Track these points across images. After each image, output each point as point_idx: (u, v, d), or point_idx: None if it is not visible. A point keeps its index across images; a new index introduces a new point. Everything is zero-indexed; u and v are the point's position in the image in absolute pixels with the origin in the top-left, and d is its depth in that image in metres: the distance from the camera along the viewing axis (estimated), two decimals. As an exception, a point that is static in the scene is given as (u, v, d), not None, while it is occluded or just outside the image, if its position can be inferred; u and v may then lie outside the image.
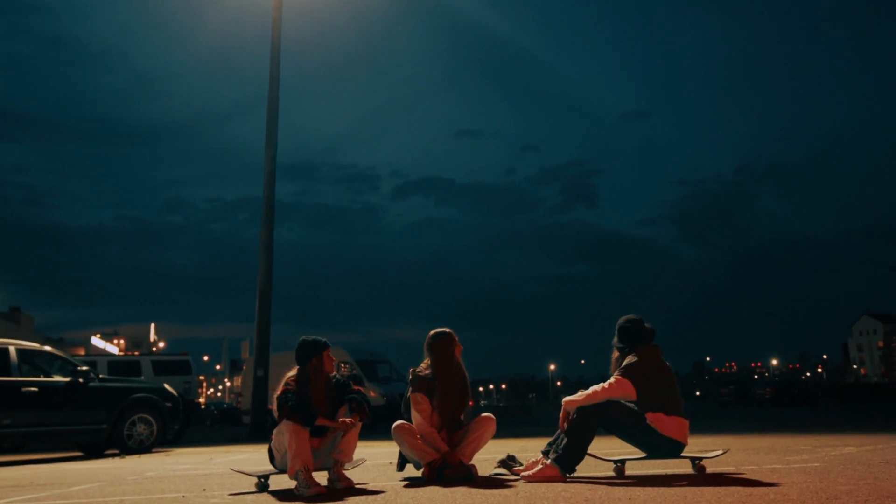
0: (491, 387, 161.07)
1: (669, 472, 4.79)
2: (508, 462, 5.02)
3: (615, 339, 4.82)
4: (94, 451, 11.07)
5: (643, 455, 4.69)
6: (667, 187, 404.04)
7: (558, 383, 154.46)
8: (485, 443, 4.96)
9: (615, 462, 4.70)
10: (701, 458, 4.62)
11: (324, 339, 4.81)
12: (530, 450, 7.23)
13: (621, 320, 4.83)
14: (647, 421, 4.47)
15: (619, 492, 3.80)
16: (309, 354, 4.74)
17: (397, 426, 4.86)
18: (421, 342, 5.16)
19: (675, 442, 4.49)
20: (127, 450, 10.61)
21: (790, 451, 6.24)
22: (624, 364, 4.62)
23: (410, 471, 5.23)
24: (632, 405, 4.56)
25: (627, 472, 4.71)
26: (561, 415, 4.63)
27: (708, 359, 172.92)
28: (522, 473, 4.56)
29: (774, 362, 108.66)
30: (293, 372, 4.74)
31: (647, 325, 4.79)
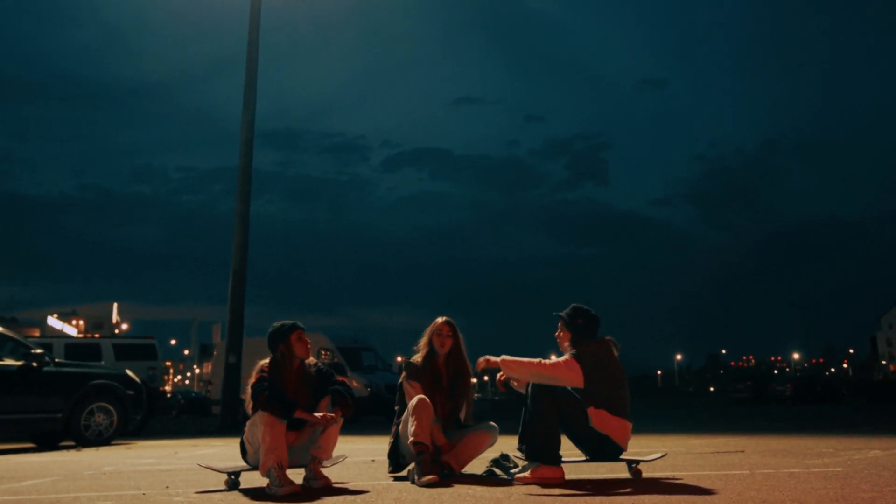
0: (486, 378, 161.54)
1: (607, 476, 4.81)
2: (502, 462, 5.05)
3: (568, 313, 4.84)
4: (47, 443, 11.08)
5: (584, 458, 4.77)
6: (684, 164, 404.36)
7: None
8: (480, 452, 5.03)
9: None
10: (638, 462, 4.70)
11: (292, 322, 4.81)
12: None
13: (583, 307, 4.87)
14: (588, 415, 4.52)
15: (619, 493, 3.82)
16: (275, 341, 4.75)
17: (421, 400, 4.81)
18: (411, 328, 5.22)
19: (614, 444, 4.57)
20: (84, 442, 10.61)
21: (810, 454, 6.28)
22: (580, 349, 4.66)
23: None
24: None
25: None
26: (498, 376, 4.77)
27: (724, 351, 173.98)
28: (517, 476, 4.59)
29: (796, 356, 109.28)
30: (266, 360, 4.74)
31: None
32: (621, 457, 4.69)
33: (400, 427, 4.95)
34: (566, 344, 4.82)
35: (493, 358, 4.70)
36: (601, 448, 4.61)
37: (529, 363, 4.57)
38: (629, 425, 4.63)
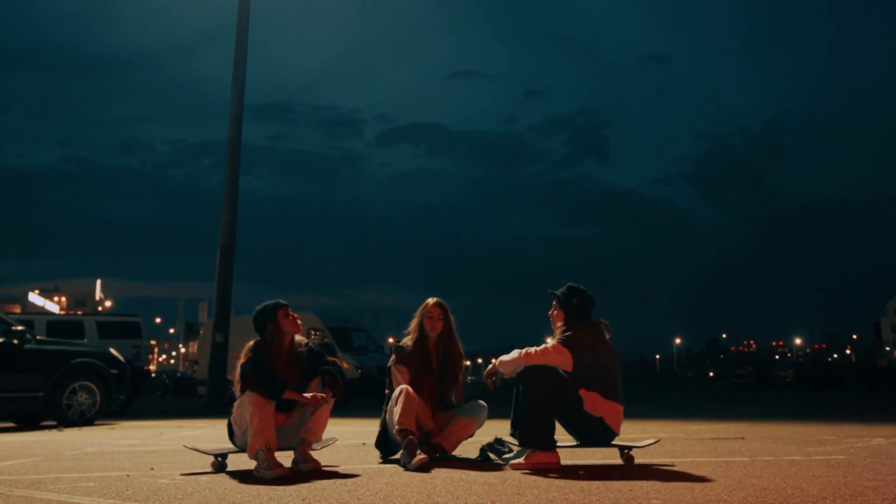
0: (480, 361, 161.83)
1: (599, 461, 4.85)
2: (496, 446, 5.06)
3: (563, 292, 4.87)
4: (28, 422, 11.08)
5: (575, 443, 4.81)
6: (687, 142, 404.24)
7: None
8: (471, 433, 5.08)
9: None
10: (630, 448, 4.72)
11: (275, 301, 4.81)
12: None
13: (579, 287, 4.89)
14: (581, 398, 4.56)
15: (615, 477, 3.84)
16: (262, 321, 4.75)
17: (403, 390, 4.87)
18: (403, 308, 5.25)
19: (607, 427, 4.61)
20: (66, 421, 10.60)
21: (812, 442, 6.32)
22: (568, 333, 4.70)
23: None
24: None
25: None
26: (487, 375, 4.84)
27: (724, 335, 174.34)
28: (512, 462, 4.60)
29: (798, 342, 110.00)
30: (255, 341, 4.74)
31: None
32: (613, 442, 4.72)
33: (386, 416, 4.99)
34: (559, 324, 4.84)
35: (490, 368, 4.85)
36: (593, 432, 4.64)
37: (519, 356, 4.66)
38: (621, 409, 4.67)
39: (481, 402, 5.17)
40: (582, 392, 4.56)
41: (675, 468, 4.49)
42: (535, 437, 4.53)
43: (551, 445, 4.54)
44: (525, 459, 4.51)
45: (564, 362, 4.60)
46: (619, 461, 4.73)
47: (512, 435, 4.69)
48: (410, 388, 4.90)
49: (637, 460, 4.77)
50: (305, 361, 4.78)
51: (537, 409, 4.54)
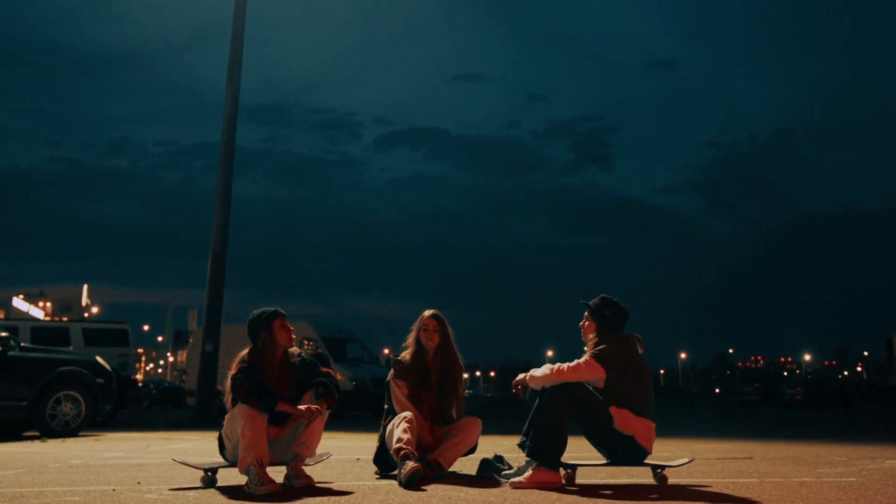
0: (478, 374, 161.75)
1: (629, 481, 4.83)
2: (495, 464, 5.05)
3: (595, 303, 4.87)
4: (10, 433, 11.04)
5: (604, 462, 4.79)
6: (694, 149, 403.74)
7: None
8: (468, 447, 5.08)
9: (565, 467, 4.70)
10: (663, 467, 4.69)
11: (273, 309, 4.80)
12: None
13: (612, 299, 4.89)
14: (611, 415, 4.54)
15: (621, 502, 3.82)
16: (257, 329, 4.74)
17: (405, 417, 4.91)
18: (399, 318, 5.24)
19: (639, 446, 4.59)
20: (49, 432, 10.58)
21: (822, 463, 6.30)
22: (600, 347, 4.69)
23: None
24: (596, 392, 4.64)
25: (579, 480, 4.77)
26: (516, 385, 4.78)
27: (731, 350, 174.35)
28: (512, 480, 4.59)
29: (807, 358, 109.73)
30: (247, 350, 4.73)
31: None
32: (645, 461, 4.68)
33: (386, 435, 5.00)
34: (590, 335, 4.84)
35: (520, 377, 4.79)
36: (624, 450, 4.61)
37: (551, 372, 4.63)
38: (653, 426, 4.64)
39: (476, 417, 5.19)
40: (612, 409, 4.54)
41: (711, 489, 4.46)
42: (543, 453, 4.50)
43: (556, 465, 4.52)
44: (527, 478, 4.49)
45: (597, 377, 4.61)
46: (650, 481, 4.70)
47: (520, 445, 4.65)
48: (412, 415, 4.94)
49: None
50: (298, 372, 4.76)
51: (553, 426, 4.52)
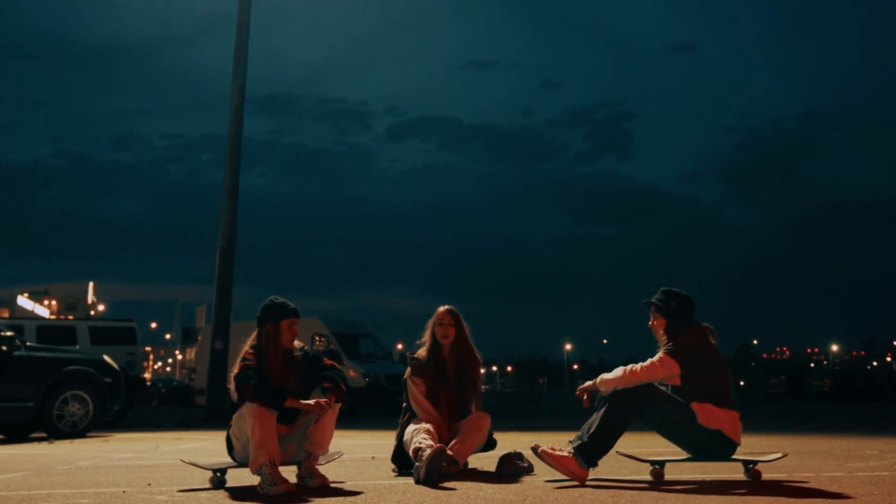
0: (494, 368, 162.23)
1: (714, 477, 4.80)
2: (515, 460, 5.06)
3: (659, 298, 4.83)
4: (17, 434, 11.13)
5: (687, 456, 4.73)
6: (714, 136, 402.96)
7: (574, 367, 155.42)
8: (479, 443, 5.10)
9: (652, 463, 4.70)
10: (756, 462, 4.62)
11: (293, 307, 4.78)
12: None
13: (673, 289, 4.86)
14: (693, 412, 4.49)
15: (646, 500, 3.80)
16: (265, 318, 4.74)
17: (423, 428, 4.94)
18: (412, 312, 5.26)
19: (727, 439, 4.52)
20: (57, 433, 10.64)
21: (853, 457, 6.27)
22: (672, 342, 4.65)
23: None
24: (673, 392, 4.62)
25: (667, 477, 4.73)
26: (584, 394, 4.72)
27: (755, 342, 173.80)
28: (541, 449, 4.59)
29: (835, 348, 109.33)
30: (251, 340, 4.74)
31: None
32: (734, 456, 4.62)
33: (405, 437, 5.02)
34: (661, 331, 4.80)
35: (588, 384, 4.76)
36: (713, 446, 4.56)
37: (624, 374, 4.60)
38: (738, 415, 4.58)
39: (484, 412, 5.25)
40: (694, 405, 4.51)
41: (809, 485, 4.41)
42: (586, 446, 4.48)
43: (590, 464, 4.50)
44: (557, 455, 4.49)
45: (671, 374, 4.57)
46: (740, 476, 4.63)
47: (572, 442, 4.61)
48: (432, 426, 4.98)
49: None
50: (302, 366, 4.76)
51: (611, 428, 4.52)
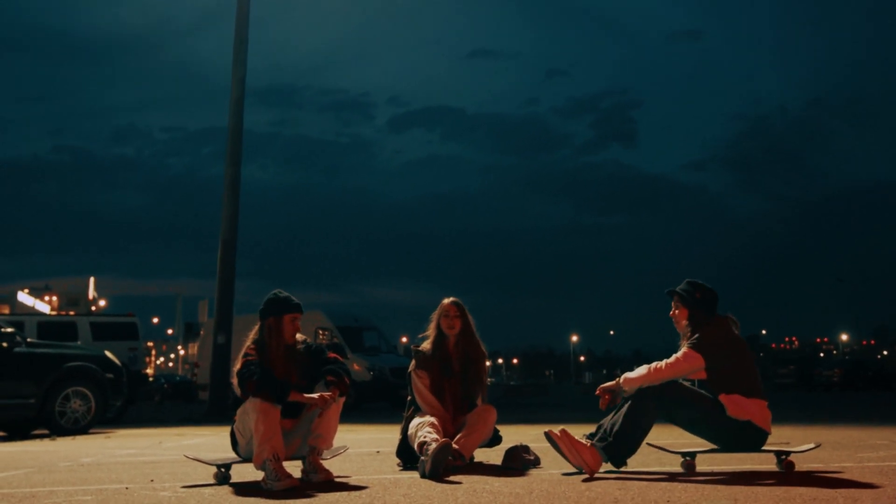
0: (500, 361, 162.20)
1: (744, 468, 4.80)
2: (521, 454, 5.07)
3: (683, 288, 4.82)
4: (19, 432, 11.16)
5: (716, 448, 4.73)
6: (721, 123, 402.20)
7: (581, 358, 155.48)
8: (484, 437, 5.11)
9: (683, 455, 4.71)
10: (789, 453, 4.61)
11: (296, 302, 4.78)
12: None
13: (698, 281, 4.84)
14: (722, 404, 4.48)
15: (654, 492, 3.80)
16: (268, 311, 4.74)
17: (427, 422, 4.94)
18: (416, 305, 5.26)
19: (758, 429, 4.50)
20: (59, 430, 10.68)
21: (864, 447, 6.27)
22: (696, 335, 4.64)
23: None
24: (697, 388, 4.62)
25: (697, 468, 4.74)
26: (605, 394, 4.68)
27: (764, 332, 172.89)
28: (554, 432, 4.58)
29: (844, 338, 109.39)
30: (252, 335, 4.74)
31: None
32: (765, 447, 4.62)
33: (409, 431, 5.03)
34: (683, 322, 4.79)
35: (610, 384, 4.72)
36: (744, 437, 4.54)
37: (648, 372, 4.57)
38: (765, 404, 4.57)
39: (489, 405, 5.24)
40: (722, 397, 4.49)
41: (843, 475, 4.40)
42: (615, 447, 4.47)
43: (619, 462, 4.50)
44: (573, 443, 4.48)
45: (697, 368, 4.55)
46: (772, 467, 4.65)
47: (589, 436, 4.58)
48: (436, 419, 4.98)
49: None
50: (305, 359, 4.76)
51: (637, 428, 4.50)
